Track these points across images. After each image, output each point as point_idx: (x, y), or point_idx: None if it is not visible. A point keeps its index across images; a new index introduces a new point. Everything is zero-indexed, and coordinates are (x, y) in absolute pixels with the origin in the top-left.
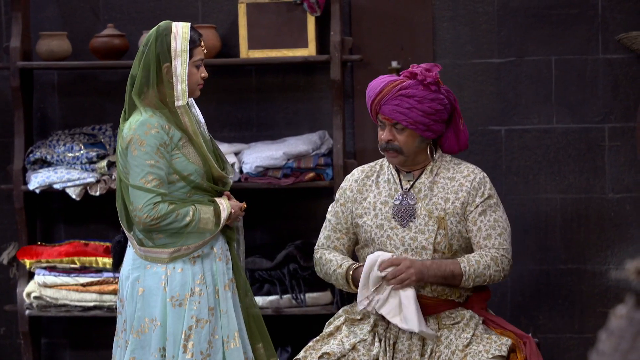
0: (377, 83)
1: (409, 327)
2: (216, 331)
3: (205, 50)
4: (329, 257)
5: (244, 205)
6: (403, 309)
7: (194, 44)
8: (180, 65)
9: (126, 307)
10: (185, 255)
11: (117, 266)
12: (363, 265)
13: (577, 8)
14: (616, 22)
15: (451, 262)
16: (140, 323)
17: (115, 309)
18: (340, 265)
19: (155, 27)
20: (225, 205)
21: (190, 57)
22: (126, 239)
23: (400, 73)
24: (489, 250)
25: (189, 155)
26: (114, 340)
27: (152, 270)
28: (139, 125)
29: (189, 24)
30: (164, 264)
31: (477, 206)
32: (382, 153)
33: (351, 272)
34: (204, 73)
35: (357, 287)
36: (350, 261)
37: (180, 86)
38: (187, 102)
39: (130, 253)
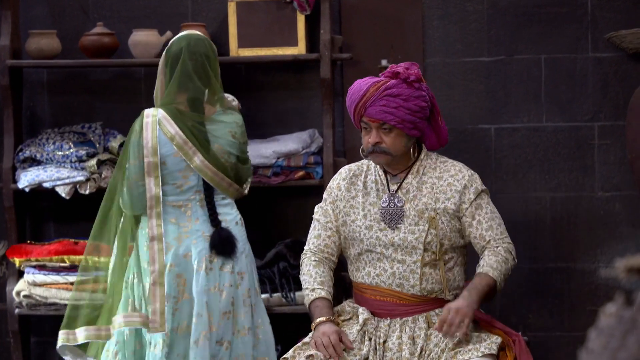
0: (360, 86)
1: None
2: None
3: None
4: (307, 272)
5: None
6: None
7: None
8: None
9: (247, 278)
10: None
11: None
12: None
13: (567, 7)
14: (605, 21)
15: (481, 278)
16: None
17: None
18: (314, 290)
19: (187, 37)
20: None
21: None
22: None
23: (381, 74)
24: (496, 243)
25: None
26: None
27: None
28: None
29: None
30: None
31: (472, 202)
32: (367, 157)
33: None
34: None
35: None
36: (317, 294)
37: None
38: None
39: (242, 229)
